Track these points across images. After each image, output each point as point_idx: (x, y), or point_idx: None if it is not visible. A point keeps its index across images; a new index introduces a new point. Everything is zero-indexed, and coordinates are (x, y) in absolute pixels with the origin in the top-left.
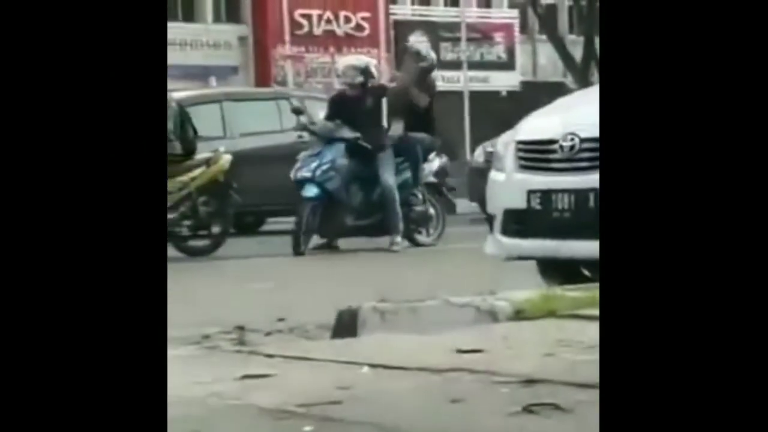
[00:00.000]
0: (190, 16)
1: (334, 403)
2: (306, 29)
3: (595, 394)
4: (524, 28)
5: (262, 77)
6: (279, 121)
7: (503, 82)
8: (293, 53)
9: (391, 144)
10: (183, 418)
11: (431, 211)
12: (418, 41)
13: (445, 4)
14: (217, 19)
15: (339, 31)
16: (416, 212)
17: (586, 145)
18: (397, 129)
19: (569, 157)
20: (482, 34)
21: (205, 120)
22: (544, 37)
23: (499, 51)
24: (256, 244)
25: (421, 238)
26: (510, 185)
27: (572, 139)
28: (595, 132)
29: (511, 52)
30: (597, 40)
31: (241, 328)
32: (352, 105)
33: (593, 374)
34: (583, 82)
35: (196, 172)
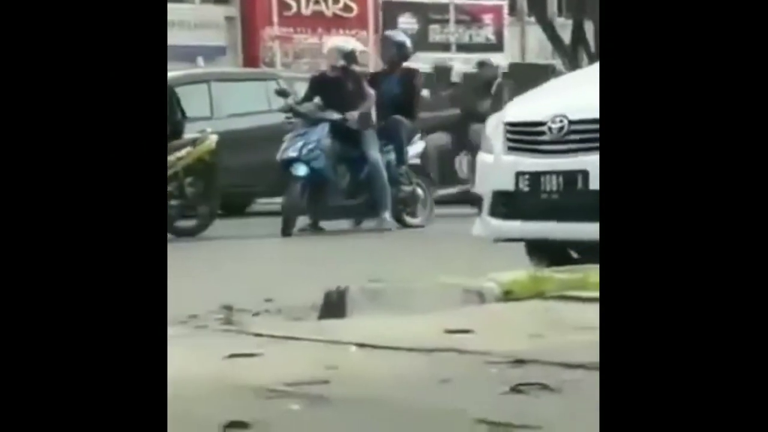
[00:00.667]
0: None
1: (322, 382)
2: (294, 10)
3: (583, 375)
4: (513, 10)
5: (250, 58)
6: (267, 102)
7: None
8: (281, 34)
9: (375, 125)
10: (170, 397)
11: (419, 191)
12: (405, 23)
13: None
14: None
15: (327, 12)
16: (404, 192)
17: (574, 127)
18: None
19: (558, 139)
20: (471, 16)
21: (192, 100)
22: (533, 19)
23: (488, 33)
24: (243, 224)
25: (410, 219)
26: (498, 167)
27: (561, 121)
28: (583, 114)
29: (500, 34)
30: (586, 24)
31: (228, 308)
32: (333, 86)
33: (581, 354)
34: (572, 65)
35: (183, 152)
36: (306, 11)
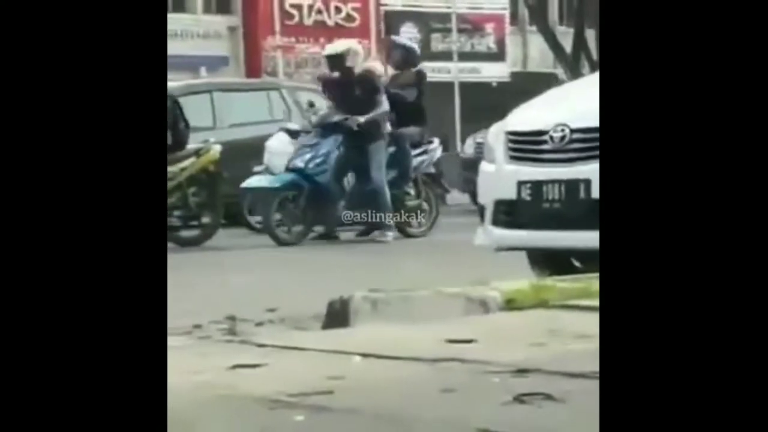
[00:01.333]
0: (180, 6)
1: (326, 392)
2: (296, 19)
3: (586, 384)
4: (515, 19)
5: (253, 68)
6: (269, 112)
7: (493, 73)
8: (284, 44)
9: (385, 136)
10: (174, 408)
11: (424, 205)
12: (407, 32)
13: None
14: (207, 9)
15: (329, 22)
16: (408, 207)
17: (576, 136)
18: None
19: (559, 147)
20: (473, 25)
21: (195, 110)
22: (534, 28)
23: (489, 42)
24: (247, 234)
25: (413, 229)
26: (500, 176)
27: (562, 130)
28: (585, 123)
29: (501, 43)
30: (587, 32)
31: (232, 318)
32: (340, 89)
33: (584, 364)
34: (574, 74)
35: (186, 162)
36: (308, 21)
